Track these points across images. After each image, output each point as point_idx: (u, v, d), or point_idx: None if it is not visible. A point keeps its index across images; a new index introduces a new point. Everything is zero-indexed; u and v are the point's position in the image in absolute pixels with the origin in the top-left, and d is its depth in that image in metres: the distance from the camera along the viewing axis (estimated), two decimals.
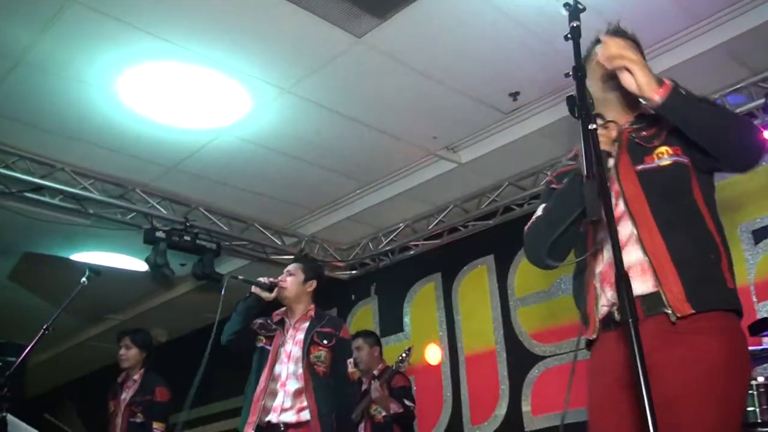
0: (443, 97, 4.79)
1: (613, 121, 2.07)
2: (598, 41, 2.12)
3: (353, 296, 7.40)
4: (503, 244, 6.18)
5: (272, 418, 3.54)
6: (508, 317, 6.07)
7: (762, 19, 4.05)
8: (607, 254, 2.01)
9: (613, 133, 2.06)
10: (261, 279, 3.84)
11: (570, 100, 1.85)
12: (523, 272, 6.05)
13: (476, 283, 6.41)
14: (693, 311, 1.85)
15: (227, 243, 6.05)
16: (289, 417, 3.55)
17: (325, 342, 3.76)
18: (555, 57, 4.24)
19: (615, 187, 2.03)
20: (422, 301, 6.82)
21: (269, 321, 3.91)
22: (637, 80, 1.88)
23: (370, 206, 6.26)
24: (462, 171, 5.67)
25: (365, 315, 7.25)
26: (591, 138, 1.72)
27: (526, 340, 5.90)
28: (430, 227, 6.45)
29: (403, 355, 5.23)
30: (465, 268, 6.52)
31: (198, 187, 5.78)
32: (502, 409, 5.88)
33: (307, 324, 3.83)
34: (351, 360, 3.92)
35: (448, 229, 6.44)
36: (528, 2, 3.91)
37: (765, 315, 4.26)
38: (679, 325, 1.87)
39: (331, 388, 3.68)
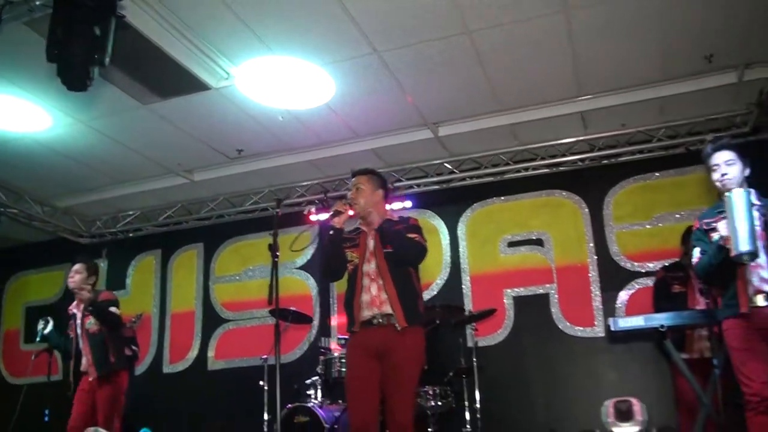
0: (192, 144, 6.98)
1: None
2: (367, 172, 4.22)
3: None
4: (212, 238, 8.57)
5: (82, 368, 5.46)
6: (207, 290, 8.45)
7: (397, 141, 7.00)
8: (374, 290, 3.86)
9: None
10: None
11: (269, 246, 4.29)
12: (224, 259, 8.51)
13: (187, 261, 8.68)
14: (406, 325, 3.80)
15: (2, 209, 7.49)
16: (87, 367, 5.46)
17: (90, 309, 5.44)
18: (268, 135, 6.84)
19: (373, 258, 3.93)
20: (143, 269, 8.86)
21: (71, 316, 5.63)
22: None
23: (115, 196, 8.10)
24: (193, 186, 7.90)
25: None
26: (275, 269, 4.13)
27: (218, 307, 8.36)
28: (160, 218, 8.52)
29: (134, 318, 7.27)
30: (180, 249, 8.74)
31: None
32: (193, 354, 8.27)
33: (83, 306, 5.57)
34: (113, 308, 5.55)
35: (174, 222, 8.57)
36: (264, 110, 6.29)
37: (512, 297, 7.04)
38: (401, 330, 3.80)
39: (106, 335, 5.46)
